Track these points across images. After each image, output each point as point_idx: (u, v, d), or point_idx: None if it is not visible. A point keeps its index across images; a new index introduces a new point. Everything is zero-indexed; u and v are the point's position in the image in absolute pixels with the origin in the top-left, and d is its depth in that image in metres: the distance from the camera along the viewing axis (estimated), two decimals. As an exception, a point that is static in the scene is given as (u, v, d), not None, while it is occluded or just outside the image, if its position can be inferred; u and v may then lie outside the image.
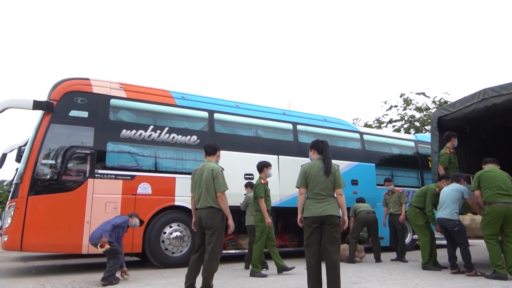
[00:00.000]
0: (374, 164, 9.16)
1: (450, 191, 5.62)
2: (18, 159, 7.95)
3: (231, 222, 4.43)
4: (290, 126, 8.62)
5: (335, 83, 53.27)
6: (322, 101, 47.83)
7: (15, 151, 8.44)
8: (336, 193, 3.93)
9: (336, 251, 3.76)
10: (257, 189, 5.81)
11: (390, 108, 20.09)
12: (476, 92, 6.89)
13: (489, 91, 6.66)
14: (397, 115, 20.03)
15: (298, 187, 4.08)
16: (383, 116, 20.56)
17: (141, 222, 5.74)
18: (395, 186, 8.14)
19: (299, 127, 8.73)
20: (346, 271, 5.86)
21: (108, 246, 4.87)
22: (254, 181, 7.41)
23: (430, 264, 6.06)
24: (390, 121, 20.14)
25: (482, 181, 5.13)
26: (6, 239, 5.80)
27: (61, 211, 6.01)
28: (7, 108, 6.03)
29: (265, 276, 5.58)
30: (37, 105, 6.15)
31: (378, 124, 20.51)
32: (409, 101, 19.48)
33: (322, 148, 4.07)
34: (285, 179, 7.80)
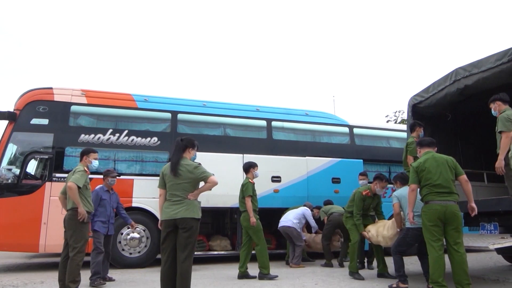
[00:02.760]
0: (361, 160, 8.37)
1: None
2: None
3: None
4: (263, 123, 8.27)
5: (381, 76, 50.15)
6: (368, 96, 45.25)
7: None
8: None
9: (187, 257, 3.47)
10: (245, 188, 5.67)
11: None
12: (448, 73, 5.94)
13: (460, 71, 5.69)
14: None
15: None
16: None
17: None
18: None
19: (274, 123, 8.33)
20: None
21: None
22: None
23: (386, 271, 5.47)
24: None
25: (422, 173, 4.11)
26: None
27: (21, 212, 6.44)
28: (-27, 120, 6.65)
29: (275, 276, 5.39)
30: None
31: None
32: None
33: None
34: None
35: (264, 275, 5.44)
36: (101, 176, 6.81)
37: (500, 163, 4.37)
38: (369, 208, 5.72)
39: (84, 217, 4.34)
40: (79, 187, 4.32)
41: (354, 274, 5.39)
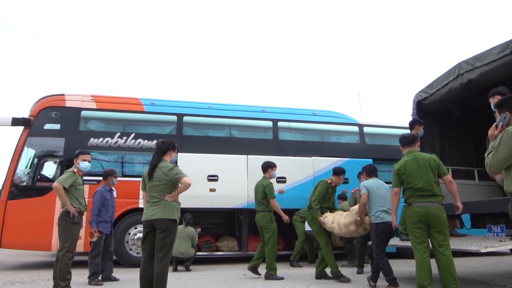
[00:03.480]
0: (371, 160, 8.14)
1: (386, 188, 4.83)
2: None
3: None
4: (269, 123, 8.25)
5: (409, 74, 48.31)
6: (396, 93, 43.74)
7: None
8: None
9: (162, 258, 3.54)
10: (269, 189, 5.59)
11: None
12: (452, 67, 5.68)
13: (463, 65, 5.44)
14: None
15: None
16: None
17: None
18: None
19: (280, 124, 8.29)
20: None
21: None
22: (219, 183, 7.39)
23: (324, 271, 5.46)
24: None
25: (403, 176, 3.98)
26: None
27: (35, 213, 6.80)
28: (-10, 126, 7.09)
29: (281, 278, 5.39)
30: (15, 121, 7.08)
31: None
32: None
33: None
34: (255, 180, 7.51)
35: (271, 276, 5.44)
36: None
37: None
38: (329, 200, 5.54)
39: (74, 212, 4.51)
40: (65, 188, 4.49)
41: (340, 277, 5.16)
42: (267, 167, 5.94)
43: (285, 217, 5.70)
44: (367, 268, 6.02)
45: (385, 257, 4.52)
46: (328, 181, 5.43)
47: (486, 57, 5.03)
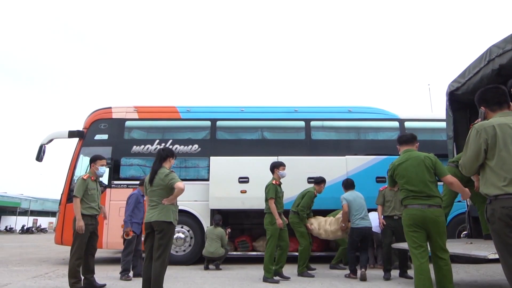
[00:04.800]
0: (412, 156, 7.61)
1: (361, 198, 5.99)
2: (37, 158, 8.13)
3: None
4: (301, 123, 8.18)
5: None
6: None
7: (54, 142, 8.37)
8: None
9: (159, 257, 3.79)
10: (267, 190, 5.73)
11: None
12: (483, 52, 5.11)
13: (494, 49, 4.88)
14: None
15: None
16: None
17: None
18: None
19: (313, 123, 8.16)
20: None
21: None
22: (250, 185, 7.56)
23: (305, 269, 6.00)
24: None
25: (397, 176, 3.79)
26: (55, 235, 7.85)
27: (89, 215, 7.65)
28: (52, 139, 8.14)
29: (276, 282, 5.31)
30: (71, 134, 8.05)
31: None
32: None
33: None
34: (286, 181, 7.50)
35: (267, 279, 5.35)
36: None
37: None
38: (311, 207, 6.47)
39: (79, 229, 4.70)
40: (78, 197, 4.75)
41: (304, 273, 5.87)
42: (273, 167, 5.85)
43: (279, 221, 5.48)
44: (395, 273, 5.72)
45: (354, 252, 5.81)
46: (316, 193, 6.37)
47: (517, 38, 4.46)
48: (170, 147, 7.95)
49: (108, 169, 7.87)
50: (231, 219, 8.76)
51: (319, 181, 6.39)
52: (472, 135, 2.50)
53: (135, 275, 5.76)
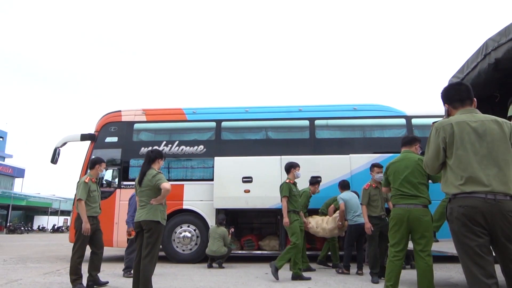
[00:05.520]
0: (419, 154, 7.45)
1: (356, 197, 6.22)
2: (52, 160, 8.46)
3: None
4: (306, 122, 8.17)
5: None
6: None
7: (68, 145, 8.67)
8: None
9: (146, 255, 3.93)
10: (281, 189, 5.74)
11: None
12: (480, 46, 4.96)
13: (490, 43, 4.70)
14: None
15: None
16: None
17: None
18: None
19: (317, 122, 8.14)
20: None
21: None
22: (253, 184, 7.65)
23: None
24: None
25: (389, 176, 3.89)
26: (69, 234, 8.21)
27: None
28: (66, 142, 8.52)
29: (308, 279, 5.40)
30: (83, 137, 8.40)
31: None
32: None
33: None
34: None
35: (296, 276, 5.39)
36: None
37: None
38: (307, 206, 6.76)
39: (85, 231, 4.88)
40: (82, 200, 4.90)
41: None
42: (290, 167, 5.90)
43: (285, 220, 5.51)
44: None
45: (351, 248, 6.00)
46: (311, 193, 6.71)
47: (511, 30, 4.30)
48: (177, 148, 8.16)
49: (118, 170, 8.19)
50: (240, 218, 8.90)
51: (313, 182, 6.66)
52: (432, 134, 2.48)
53: None
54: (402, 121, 8.03)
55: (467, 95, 2.52)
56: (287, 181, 5.76)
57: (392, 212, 3.72)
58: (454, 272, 6.01)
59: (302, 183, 7.16)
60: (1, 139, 40.60)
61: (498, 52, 4.53)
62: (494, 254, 2.24)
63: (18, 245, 14.55)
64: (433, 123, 2.56)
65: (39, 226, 39.40)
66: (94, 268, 5.15)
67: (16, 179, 41.39)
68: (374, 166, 5.74)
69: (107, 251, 10.11)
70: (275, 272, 5.33)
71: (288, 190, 5.64)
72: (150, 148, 8.11)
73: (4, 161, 40.05)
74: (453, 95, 2.56)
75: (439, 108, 9.46)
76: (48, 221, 40.24)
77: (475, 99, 2.56)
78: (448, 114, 2.60)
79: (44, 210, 40.56)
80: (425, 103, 10.22)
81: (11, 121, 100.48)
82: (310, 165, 7.57)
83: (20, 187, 41.71)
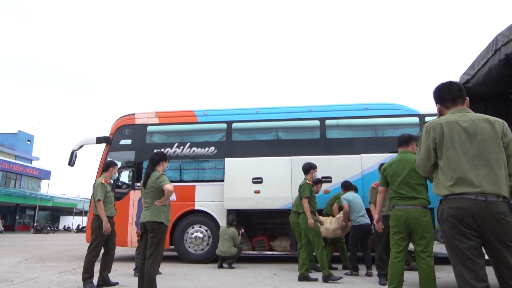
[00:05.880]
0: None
1: (359, 198, 6.25)
2: (69, 163, 8.72)
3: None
4: (316, 123, 8.12)
5: None
6: None
7: (85, 148, 8.88)
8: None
9: (150, 255, 4.01)
10: (303, 189, 5.69)
11: None
12: (490, 41, 4.80)
13: (500, 38, 4.54)
14: None
15: None
16: None
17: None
18: None
19: (328, 122, 8.08)
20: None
21: None
22: (263, 185, 7.66)
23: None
24: None
25: (388, 177, 3.80)
26: (86, 234, 8.46)
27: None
28: (82, 145, 8.79)
29: (340, 278, 5.37)
30: (99, 140, 8.64)
31: None
32: None
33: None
34: (299, 181, 7.50)
35: (328, 277, 5.29)
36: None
37: None
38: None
39: (108, 232, 5.13)
40: (101, 200, 5.08)
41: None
42: (309, 168, 5.82)
43: (310, 220, 5.46)
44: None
45: (355, 249, 5.97)
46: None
47: (521, 24, 4.16)
48: (188, 149, 8.28)
49: (132, 172, 8.38)
50: (252, 219, 8.94)
51: (315, 182, 6.28)
52: (423, 135, 2.45)
53: None
54: (416, 119, 7.86)
55: (459, 94, 2.47)
56: (307, 182, 5.69)
57: (391, 213, 3.67)
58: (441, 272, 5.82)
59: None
60: (28, 142, 42.18)
61: (508, 48, 4.37)
62: (486, 257, 2.18)
63: (42, 244, 15.09)
64: (424, 123, 2.52)
65: (64, 226, 40.75)
66: (105, 268, 5.28)
67: (43, 180, 42.89)
68: (383, 165, 5.65)
69: (123, 251, 10.39)
70: (328, 280, 5.27)
71: (309, 191, 5.58)
72: (162, 150, 8.30)
73: (31, 163, 41.58)
74: (445, 95, 2.51)
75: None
76: (73, 221, 41.55)
77: (467, 98, 2.50)
78: (440, 114, 2.55)
79: (70, 210, 41.90)
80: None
81: (37, 124, 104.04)
82: (320, 165, 7.46)
83: (46, 188, 43.23)
